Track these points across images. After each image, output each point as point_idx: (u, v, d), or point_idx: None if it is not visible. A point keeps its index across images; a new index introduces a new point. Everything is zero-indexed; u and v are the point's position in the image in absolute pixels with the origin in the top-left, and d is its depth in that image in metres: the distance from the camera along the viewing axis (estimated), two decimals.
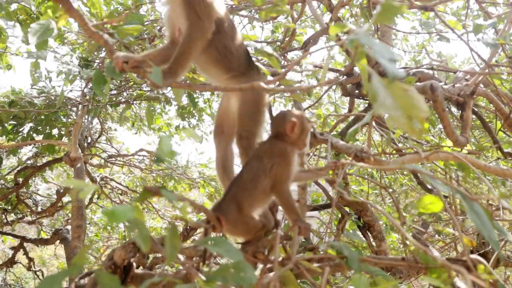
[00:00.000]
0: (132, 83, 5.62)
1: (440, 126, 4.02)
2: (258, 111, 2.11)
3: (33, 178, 7.21)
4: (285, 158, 1.75)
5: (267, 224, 1.81)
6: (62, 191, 7.06)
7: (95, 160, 7.53)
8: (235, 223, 1.71)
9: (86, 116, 6.41)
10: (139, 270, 2.57)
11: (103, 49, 5.02)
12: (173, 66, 1.84)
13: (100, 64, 4.76)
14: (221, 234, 1.73)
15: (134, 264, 2.45)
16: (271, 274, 1.49)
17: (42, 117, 5.87)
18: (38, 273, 7.82)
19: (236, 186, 1.74)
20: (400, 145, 3.62)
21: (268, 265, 1.71)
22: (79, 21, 1.89)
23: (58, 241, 6.91)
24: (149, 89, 5.95)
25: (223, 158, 2.23)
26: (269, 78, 2.23)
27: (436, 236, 4.35)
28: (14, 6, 3.95)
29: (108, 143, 7.81)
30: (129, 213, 0.92)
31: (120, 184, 7.76)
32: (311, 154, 3.60)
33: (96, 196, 7.67)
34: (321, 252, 2.01)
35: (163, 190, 1.05)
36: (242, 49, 2.11)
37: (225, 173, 2.21)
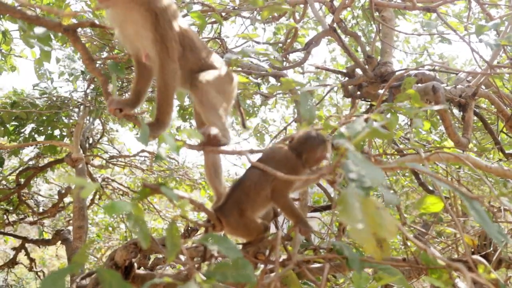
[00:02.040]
0: None
1: (442, 127, 4.02)
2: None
3: (35, 179, 7.21)
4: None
5: (269, 226, 1.82)
6: (63, 191, 7.07)
7: (97, 161, 7.54)
8: (236, 227, 1.71)
9: (88, 117, 6.42)
10: (141, 271, 2.58)
11: (105, 49, 5.03)
12: (159, 117, 1.89)
13: (103, 65, 4.77)
14: (222, 233, 1.73)
15: (135, 264, 2.45)
16: (272, 274, 1.49)
17: (44, 118, 5.88)
18: (39, 273, 7.82)
19: (239, 190, 1.72)
20: (401, 146, 3.62)
21: (270, 266, 1.71)
22: (82, 54, 1.94)
23: (59, 241, 6.91)
24: (151, 90, 5.94)
25: (213, 162, 2.22)
26: (233, 75, 2.23)
27: (438, 238, 4.34)
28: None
29: (110, 144, 7.81)
30: (127, 207, 0.92)
31: (121, 185, 7.77)
32: None
33: (97, 196, 7.67)
34: (322, 253, 2.01)
35: (162, 188, 1.05)
36: (211, 53, 2.14)
37: (216, 176, 2.21)
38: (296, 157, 1.72)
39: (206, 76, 2.01)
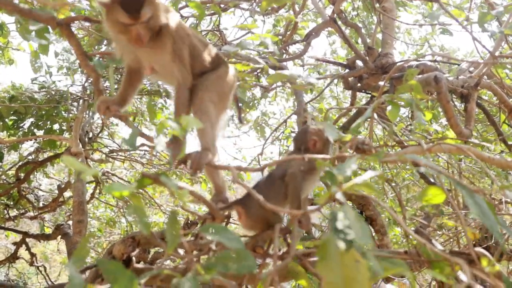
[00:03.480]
0: None
1: (443, 119, 3.98)
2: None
3: (35, 173, 7.20)
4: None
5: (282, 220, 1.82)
6: (63, 186, 7.06)
7: (97, 155, 7.52)
8: (257, 218, 1.72)
9: (87, 111, 6.39)
10: (140, 265, 2.56)
11: (104, 43, 4.99)
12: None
13: (101, 58, 4.72)
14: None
15: (134, 258, 2.43)
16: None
17: (43, 112, 5.85)
18: (40, 268, 7.82)
19: (262, 188, 1.74)
20: (402, 137, 3.58)
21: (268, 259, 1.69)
22: (76, 50, 1.93)
23: (60, 236, 6.91)
24: (150, 83, 5.92)
25: None
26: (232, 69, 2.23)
27: (439, 231, 4.32)
28: (15, 1, 3.92)
29: (110, 138, 7.79)
30: (127, 188, 0.91)
31: (121, 179, 7.75)
32: None
33: (97, 191, 7.66)
34: None
35: (162, 177, 1.02)
36: (211, 50, 2.15)
37: (215, 170, 2.20)
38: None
39: (205, 84, 2.03)
